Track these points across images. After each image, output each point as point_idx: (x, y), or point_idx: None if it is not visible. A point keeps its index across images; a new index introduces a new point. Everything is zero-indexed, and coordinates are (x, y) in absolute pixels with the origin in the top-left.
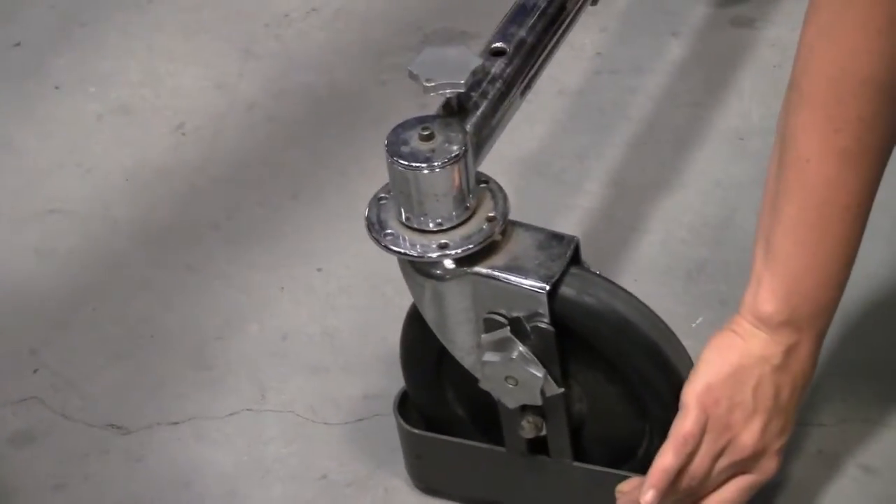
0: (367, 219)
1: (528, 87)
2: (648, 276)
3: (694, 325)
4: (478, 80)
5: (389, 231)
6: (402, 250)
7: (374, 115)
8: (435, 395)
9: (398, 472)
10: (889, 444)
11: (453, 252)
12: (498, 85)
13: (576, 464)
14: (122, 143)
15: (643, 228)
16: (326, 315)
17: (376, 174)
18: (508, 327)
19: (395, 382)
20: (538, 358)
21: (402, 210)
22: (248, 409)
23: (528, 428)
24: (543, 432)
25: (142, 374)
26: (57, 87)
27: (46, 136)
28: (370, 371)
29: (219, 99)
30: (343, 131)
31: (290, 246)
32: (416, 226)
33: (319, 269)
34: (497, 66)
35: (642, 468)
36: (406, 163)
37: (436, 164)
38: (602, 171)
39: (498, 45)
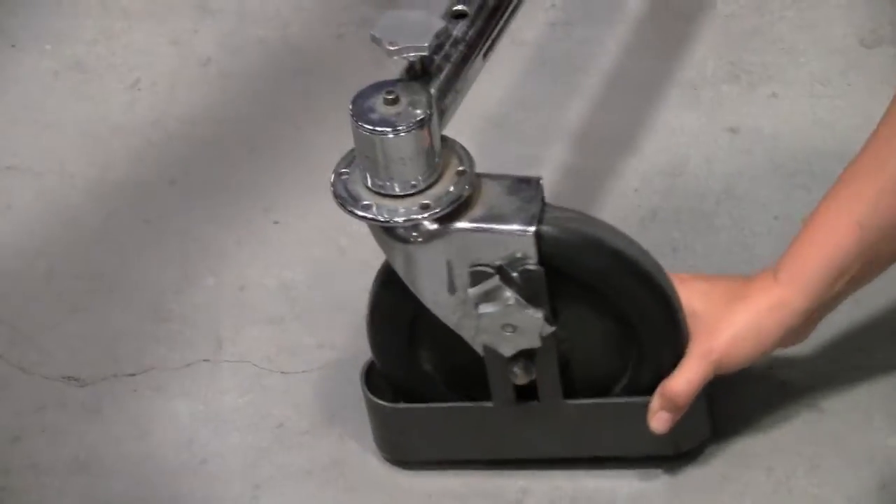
0: (336, 195)
1: (490, 48)
2: None
3: None
4: (440, 42)
5: (365, 202)
6: (382, 217)
7: (331, 69)
8: (408, 361)
9: (354, 419)
10: (838, 381)
11: (437, 210)
12: (461, 48)
13: (568, 402)
14: (78, 100)
15: (597, 178)
16: (283, 267)
17: (332, 127)
18: (497, 276)
19: (351, 333)
20: (528, 301)
21: (370, 177)
22: (204, 360)
23: (520, 374)
24: (534, 376)
25: (99, 326)
26: (13, 46)
27: (2, 93)
28: (326, 321)
29: (174, 55)
30: (299, 85)
31: (246, 199)
32: (387, 192)
33: (276, 222)
34: (459, 28)
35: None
36: (372, 128)
37: (401, 127)
38: (558, 123)
39: (459, 7)
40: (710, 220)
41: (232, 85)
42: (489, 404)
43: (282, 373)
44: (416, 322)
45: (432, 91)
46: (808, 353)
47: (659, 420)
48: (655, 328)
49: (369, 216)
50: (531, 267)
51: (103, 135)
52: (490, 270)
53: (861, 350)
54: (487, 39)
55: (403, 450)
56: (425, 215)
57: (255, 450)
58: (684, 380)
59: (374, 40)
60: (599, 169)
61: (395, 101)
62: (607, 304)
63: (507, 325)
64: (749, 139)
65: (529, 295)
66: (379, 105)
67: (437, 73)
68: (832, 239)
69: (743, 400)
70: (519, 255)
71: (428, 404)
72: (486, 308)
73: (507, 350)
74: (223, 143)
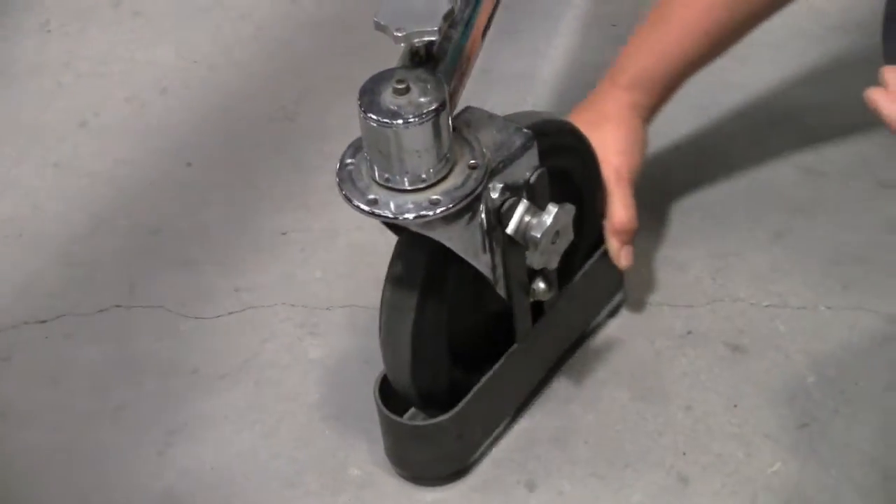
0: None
1: (487, 27)
2: None
3: None
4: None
5: (371, 196)
6: (447, 206)
7: None
8: (448, 367)
9: (271, 363)
10: (755, 321)
11: (450, 206)
12: (460, 28)
13: (561, 296)
14: None
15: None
16: (198, 209)
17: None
18: (524, 200)
19: (266, 276)
20: (549, 203)
21: (380, 170)
22: (117, 306)
23: (544, 289)
24: (555, 284)
25: (9, 272)
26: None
27: None
28: (241, 264)
29: None
30: None
31: (161, 140)
32: (413, 185)
33: (189, 164)
34: (457, 8)
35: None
36: (385, 120)
37: (414, 119)
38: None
39: None
40: None
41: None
42: (515, 347)
43: (196, 318)
44: (449, 325)
45: (440, 76)
46: (728, 292)
47: (625, 255)
48: (593, 178)
49: (388, 215)
50: (538, 172)
51: (17, 73)
52: (514, 199)
53: (778, 292)
54: (485, 18)
55: (459, 455)
56: (437, 211)
57: (169, 395)
58: (622, 207)
59: (379, 27)
60: (514, 105)
61: (406, 91)
62: (567, 180)
63: (556, 233)
64: None
65: (543, 198)
66: (388, 96)
67: (442, 57)
68: (659, 44)
69: (661, 341)
70: (532, 165)
71: (475, 387)
72: (537, 230)
73: (555, 260)
74: (134, 84)
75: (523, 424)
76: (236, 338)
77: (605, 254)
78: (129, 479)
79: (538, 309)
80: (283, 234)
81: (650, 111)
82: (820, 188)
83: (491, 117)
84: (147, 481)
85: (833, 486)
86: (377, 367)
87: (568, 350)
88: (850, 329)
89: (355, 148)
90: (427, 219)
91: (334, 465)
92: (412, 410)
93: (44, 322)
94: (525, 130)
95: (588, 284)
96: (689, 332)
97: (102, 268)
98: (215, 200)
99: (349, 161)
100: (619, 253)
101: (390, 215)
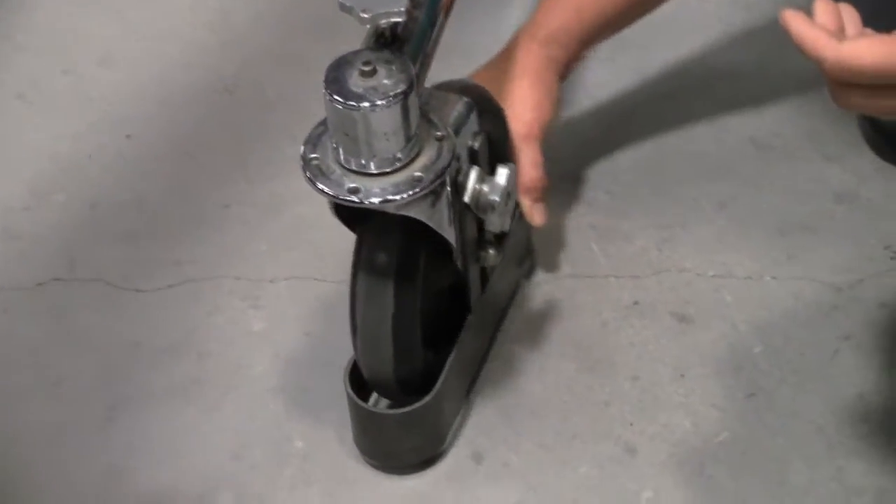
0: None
1: (451, 6)
2: None
3: None
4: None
5: (352, 185)
6: (430, 180)
7: None
8: (423, 355)
9: (214, 336)
10: (701, 291)
11: (429, 182)
12: (424, 8)
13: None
14: None
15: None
16: (136, 182)
17: None
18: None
19: (206, 248)
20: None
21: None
22: (56, 279)
23: (493, 254)
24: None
25: None
26: None
27: None
28: (183, 238)
29: None
30: None
31: (99, 114)
32: (379, 168)
33: (128, 136)
34: None
35: None
36: (356, 104)
37: (382, 102)
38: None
39: None
40: None
41: None
42: (470, 317)
43: (136, 290)
44: (421, 309)
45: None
46: (674, 263)
47: (538, 212)
48: (506, 140)
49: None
50: (479, 138)
51: None
52: (467, 165)
53: (724, 263)
54: None
55: (437, 437)
56: (425, 186)
57: (111, 369)
58: (531, 165)
59: (344, 8)
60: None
61: (372, 73)
62: (490, 143)
63: (508, 194)
64: None
65: (486, 161)
66: (356, 78)
67: (408, 38)
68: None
69: (608, 312)
70: (472, 130)
71: (447, 362)
72: (491, 194)
73: (507, 222)
74: (73, 55)
75: (470, 398)
76: (178, 311)
77: (520, 216)
78: (71, 454)
79: (483, 276)
80: (226, 206)
81: (566, 67)
82: (766, 159)
83: (429, 90)
84: (90, 455)
85: (780, 456)
86: (319, 339)
87: (501, 317)
88: (796, 299)
89: (313, 143)
90: (417, 195)
91: (279, 438)
92: (374, 399)
93: None
94: (465, 98)
95: (511, 247)
96: (636, 303)
97: (41, 241)
98: (156, 173)
99: (313, 156)
100: (532, 211)
101: (377, 201)
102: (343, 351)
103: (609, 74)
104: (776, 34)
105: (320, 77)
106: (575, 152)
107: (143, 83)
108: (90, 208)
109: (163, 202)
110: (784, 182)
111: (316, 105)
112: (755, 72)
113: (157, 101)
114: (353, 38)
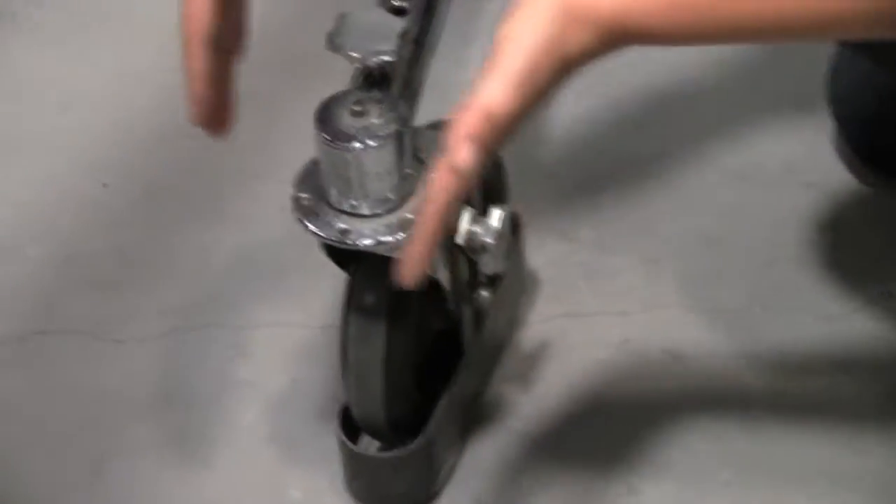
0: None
1: (436, 43)
2: None
3: None
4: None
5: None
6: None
7: None
8: (418, 395)
9: (199, 386)
10: (692, 327)
11: None
12: (410, 46)
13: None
14: None
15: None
16: (111, 230)
17: None
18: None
19: (191, 296)
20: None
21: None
22: (37, 332)
23: (488, 293)
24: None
25: None
26: None
27: None
28: (162, 285)
29: None
30: None
31: (66, 160)
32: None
33: (105, 185)
34: (404, 24)
35: None
36: (348, 145)
37: (373, 142)
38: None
39: (397, 2)
40: None
41: None
42: (464, 358)
43: (116, 341)
44: (414, 352)
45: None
46: (661, 299)
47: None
48: (498, 178)
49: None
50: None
51: None
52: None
53: (711, 297)
54: (434, 34)
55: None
56: (410, 231)
57: (90, 423)
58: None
59: (333, 47)
60: None
61: (363, 113)
62: (483, 185)
63: (502, 236)
64: None
65: (478, 202)
66: (347, 118)
67: (396, 77)
68: None
69: (599, 350)
70: None
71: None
72: (489, 237)
73: (502, 264)
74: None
75: (464, 439)
76: (164, 361)
77: (516, 253)
78: None
79: (477, 318)
80: (205, 252)
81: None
82: (745, 190)
83: (419, 129)
84: None
85: (780, 489)
86: (307, 385)
87: (497, 358)
88: (787, 330)
89: (303, 183)
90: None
91: (274, 488)
92: (366, 441)
93: None
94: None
95: (505, 288)
96: (626, 340)
97: (17, 294)
98: (131, 220)
99: (303, 195)
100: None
101: (369, 242)
102: (332, 395)
103: (584, 109)
104: (749, 60)
105: (292, 117)
106: (558, 186)
107: (111, 127)
108: (67, 259)
109: (140, 251)
110: (766, 213)
111: (287, 147)
112: (729, 99)
113: (126, 146)
114: (324, 76)
